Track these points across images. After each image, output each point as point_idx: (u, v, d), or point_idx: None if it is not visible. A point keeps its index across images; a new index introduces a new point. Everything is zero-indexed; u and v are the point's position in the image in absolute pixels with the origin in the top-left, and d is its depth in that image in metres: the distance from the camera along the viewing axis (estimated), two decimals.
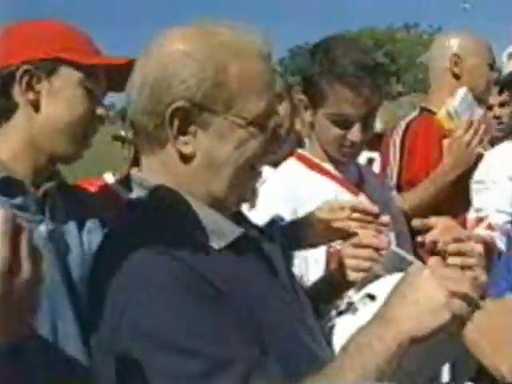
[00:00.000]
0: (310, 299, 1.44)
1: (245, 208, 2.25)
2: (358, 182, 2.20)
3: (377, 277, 1.53)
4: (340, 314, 1.48)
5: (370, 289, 1.48)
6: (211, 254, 1.20)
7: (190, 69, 1.19)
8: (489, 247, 1.58)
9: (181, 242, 1.18)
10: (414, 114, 3.03)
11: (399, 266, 1.51)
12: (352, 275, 1.55)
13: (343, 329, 1.43)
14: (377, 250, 1.57)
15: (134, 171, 1.32)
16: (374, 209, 1.66)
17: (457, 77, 2.96)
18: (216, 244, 1.21)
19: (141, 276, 1.13)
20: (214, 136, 1.21)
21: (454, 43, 2.97)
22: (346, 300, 1.52)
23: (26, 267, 0.77)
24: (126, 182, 1.96)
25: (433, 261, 1.15)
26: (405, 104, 4.49)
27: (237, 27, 1.26)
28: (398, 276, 1.37)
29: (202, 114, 1.20)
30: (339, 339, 1.39)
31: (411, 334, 1.07)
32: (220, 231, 1.22)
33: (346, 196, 2.08)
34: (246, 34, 1.25)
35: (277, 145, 1.28)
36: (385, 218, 1.65)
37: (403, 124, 2.95)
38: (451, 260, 1.51)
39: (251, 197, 1.30)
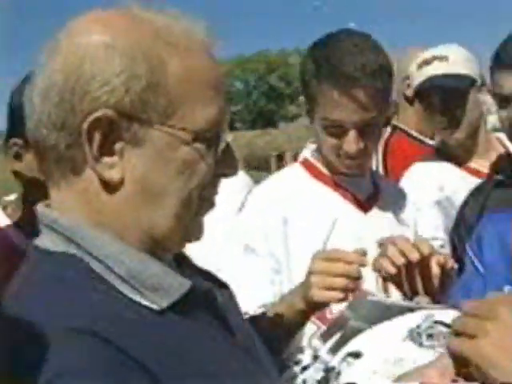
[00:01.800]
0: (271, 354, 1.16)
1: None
2: (370, 195, 1.91)
3: (354, 331, 1.24)
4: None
5: (352, 347, 1.20)
6: (149, 321, 0.88)
7: (115, 65, 0.89)
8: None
9: (108, 309, 0.86)
10: (388, 131, 2.95)
11: (382, 315, 1.24)
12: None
13: None
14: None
15: (40, 207, 0.97)
16: None
17: (409, 100, 2.89)
18: (156, 304, 0.90)
19: (47, 369, 0.78)
20: (149, 156, 0.91)
21: (407, 64, 2.83)
22: (319, 365, 1.21)
23: None
24: (24, 224, 1.65)
25: None
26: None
27: (172, 13, 0.96)
28: (384, 327, 1.19)
29: (132, 127, 0.89)
30: None
31: None
32: (161, 286, 0.91)
33: (348, 211, 1.85)
34: (185, 22, 0.95)
35: (230, 166, 0.98)
36: None
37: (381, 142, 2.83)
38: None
39: (198, 234, 0.99)
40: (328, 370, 1.19)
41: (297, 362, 1.28)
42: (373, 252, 1.52)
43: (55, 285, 0.88)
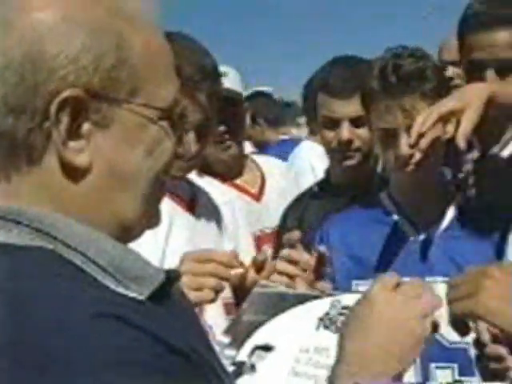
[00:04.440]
0: None
1: None
2: (190, 200, 1.93)
3: (251, 325, 1.26)
4: (235, 377, 1.17)
5: (257, 340, 1.21)
6: (139, 311, 0.81)
7: (80, 41, 0.81)
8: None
9: (102, 299, 0.78)
10: None
11: (278, 306, 1.26)
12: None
13: None
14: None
15: None
16: None
17: None
18: (138, 294, 0.82)
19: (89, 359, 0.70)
20: (117, 137, 0.84)
21: None
22: (225, 360, 1.20)
23: None
24: None
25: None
26: None
27: None
28: (288, 318, 1.20)
29: (100, 107, 0.82)
30: None
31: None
32: (141, 275, 0.83)
33: (181, 214, 1.84)
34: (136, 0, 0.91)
35: (182, 146, 0.96)
36: None
37: None
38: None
39: (158, 220, 0.94)
40: (238, 365, 1.19)
41: None
42: None
43: (43, 281, 0.77)
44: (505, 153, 1.97)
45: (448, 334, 1.26)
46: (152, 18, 0.91)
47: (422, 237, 1.83)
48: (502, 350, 1.02)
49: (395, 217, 1.86)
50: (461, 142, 1.45)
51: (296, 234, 1.51)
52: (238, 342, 1.22)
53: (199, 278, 1.40)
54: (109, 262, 0.81)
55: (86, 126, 0.82)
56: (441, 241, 1.81)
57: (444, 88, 1.75)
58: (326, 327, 1.17)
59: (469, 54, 1.92)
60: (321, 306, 1.21)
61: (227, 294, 1.95)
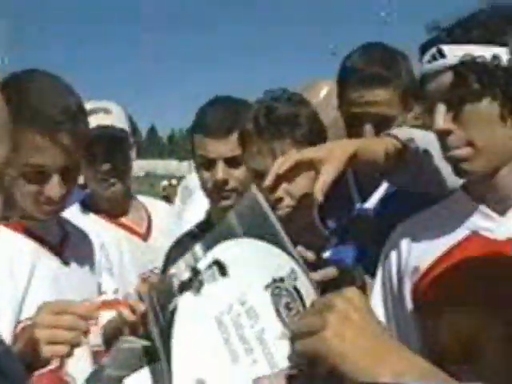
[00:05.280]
0: None
1: None
2: (59, 242, 1.86)
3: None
4: (183, 287, 1.09)
5: (223, 254, 1.10)
6: None
7: None
8: None
9: None
10: None
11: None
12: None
13: (183, 319, 1.07)
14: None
15: None
16: None
17: None
18: None
19: None
20: None
21: None
22: (190, 261, 1.13)
23: None
24: None
25: None
26: None
27: None
28: (261, 251, 1.06)
29: None
30: (179, 337, 1.05)
31: None
32: None
33: (45, 259, 1.76)
34: None
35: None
36: None
37: None
38: None
39: None
40: (195, 273, 1.10)
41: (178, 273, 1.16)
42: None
43: None
44: (369, 205, 1.98)
45: None
46: None
47: None
48: None
49: None
50: (318, 195, 1.36)
51: (154, 278, 1.49)
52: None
53: (54, 331, 1.32)
54: None
55: None
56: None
57: (317, 135, 1.75)
58: (273, 294, 1.03)
59: (348, 108, 1.97)
60: (283, 267, 1.04)
61: (97, 341, 1.89)
